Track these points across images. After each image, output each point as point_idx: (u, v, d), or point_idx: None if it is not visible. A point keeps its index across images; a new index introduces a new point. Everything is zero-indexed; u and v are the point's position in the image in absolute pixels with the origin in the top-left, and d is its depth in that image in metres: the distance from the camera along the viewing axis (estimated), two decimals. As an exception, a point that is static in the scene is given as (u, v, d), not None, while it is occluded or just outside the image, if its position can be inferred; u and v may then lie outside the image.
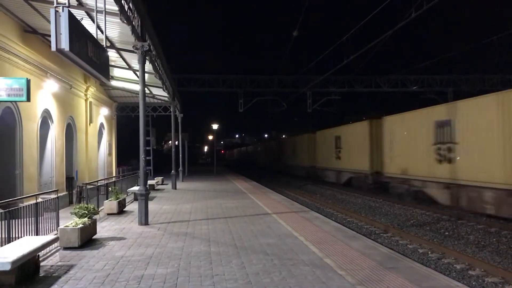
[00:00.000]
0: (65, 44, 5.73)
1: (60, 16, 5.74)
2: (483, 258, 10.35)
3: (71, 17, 5.92)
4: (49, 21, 12.97)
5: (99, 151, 23.57)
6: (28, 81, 10.63)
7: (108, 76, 9.10)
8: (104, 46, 8.45)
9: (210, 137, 72.48)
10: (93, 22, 9.61)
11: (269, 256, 7.74)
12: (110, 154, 25.71)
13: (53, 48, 5.81)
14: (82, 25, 6.82)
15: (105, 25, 8.66)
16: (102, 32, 9.78)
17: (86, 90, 20.15)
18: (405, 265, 7.12)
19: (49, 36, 14.45)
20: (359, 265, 7.10)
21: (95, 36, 7.92)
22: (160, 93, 23.46)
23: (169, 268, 7.07)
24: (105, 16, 8.49)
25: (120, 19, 9.74)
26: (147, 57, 11.97)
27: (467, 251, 11.19)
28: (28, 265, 6.54)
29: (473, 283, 8.59)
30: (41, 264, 7.22)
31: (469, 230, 13.62)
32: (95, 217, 9.81)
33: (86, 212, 9.26)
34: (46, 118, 15.50)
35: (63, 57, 6.22)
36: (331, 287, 5.93)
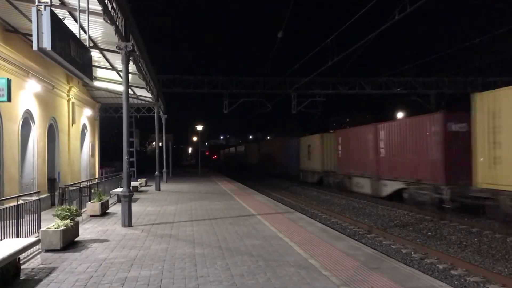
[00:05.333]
0: (47, 43, 5.64)
1: (42, 15, 5.65)
2: (465, 258, 10.50)
3: (53, 16, 5.83)
4: (31, 21, 12.81)
5: (82, 152, 23.28)
6: (9, 81, 10.48)
7: (91, 76, 9.01)
8: (87, 46, 8.35)
9: (195, 138, 72.17)
10: (76, 21, 9.50)
11: (254, 258, 7.72)
12: (93, 155, 25.41)
13: (35, 47, 5.71)
14: (65, 25, 6.72)
15: (88, 25, 8.55)
16: (85, 32, 9.66)
17: (69, 91, 19.88)
18: (389, 265, 7.17)
19: (31, 35, 14.24)
20: (344, 265, 7.14)
21: (78, 36, 7.81)
22: (144, 94, 23.30)
23: (153, 270, 7.00)
24: (88, 16, 8.38)
25: (104, 19, 9.64)
26: (130, 58, 11.87)
27: (450, 251, 11.35)
28: (8, 268, 6.41)
29: (455, 282, 8.70)
30: (22, 267, 7.09)
31: (452, 230, 13.80)
32: (77, 219, 9.67)
33: (69, 214, 9.11)
34: (27, 119, 15.24)
35: (45, 56, 6.12)
36: (315, 288, 5.94)
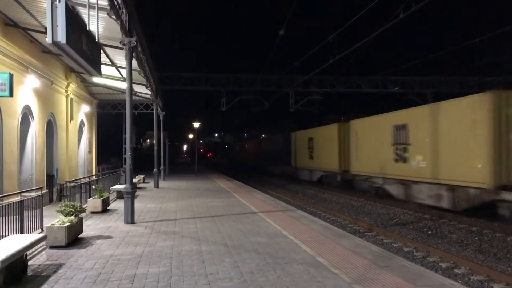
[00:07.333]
0: (61, 37, 5.55)
1: (56, 7, 5.57)
2: (467, 257, 10.53)
3: (68, 9, 5.75)
4: (31, 15, 12.72)
5: (79, 148, 23.14)
6: (11, 76, 10.38)
7: (100, 71, 8.93)
8: (97, 39, 8.26)
9: (191, 136, 72.00)
10: (85, 16, 9.38)
11: (261, 255, 7.70)
12: (90, 152, 25.26)
13: (49, 40, 5.62)
14: (78, 18, 6.63)
15: (97, 20, 8.48)
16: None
17: (67, 87, 19.75)
18: (397, 263, 7.17)
19: (31, 30, 14.16)
20: (352, 263, 7.13)
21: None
22: (142, 90, 23.16)
23: (161, 267, 6.96)
24: (97, 12, 8.31)
25: (108, 14, 9.59)
26: (134, 53, 11.78)
27: (451, 249, 11.37)
28: (16, 265, 6.34)
29: (459, 281, 8.70)
30: (28, 263, 7.02)
31: (452, 229, 13.85)
32: (81, 215, 9.59)
33: (73, 210, 9.05)
34: (26, 115, 15.12)
35: (59, 50, 6.03)
36: (328, 286, 5.92)
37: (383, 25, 13.92)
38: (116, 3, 9.69)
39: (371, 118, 22.60)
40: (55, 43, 5.62)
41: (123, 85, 20.78)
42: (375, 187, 21.68)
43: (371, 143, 21.70)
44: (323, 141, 28.13)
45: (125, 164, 24.48)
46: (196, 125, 38.00)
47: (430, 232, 13.72)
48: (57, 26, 5.50)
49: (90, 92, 25.16)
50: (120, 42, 11.13)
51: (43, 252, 8.02)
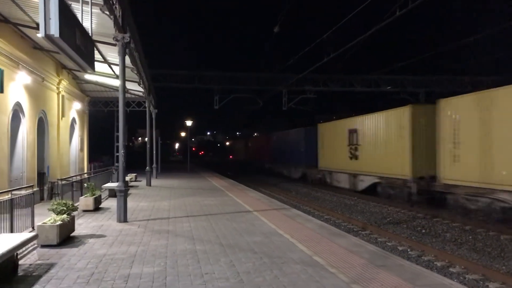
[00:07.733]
0: (54, 30, 5.40)
1: (49, 0, 5.41)
2: (462, 256, 10.52)
3: (61, 1, 5.59)
4: (22, 10, 12.49)
5: (71, 146, 22.86)
6: (1, 72, 10.17)
7: (94, 66, 8.76)
8: (90, 34, 8.10)
9: (183, 134, 71.64)
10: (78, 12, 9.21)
11: (257, 254, 7.60)
12: (82, 149, 24.96)
13: (42, 34, 5.45)
14: (71, 12, 6.46)
15: (91, 15, 8.31)
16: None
17: (59, 83, 19.48)
18: (395, 262, 7.11)
19: (22, 25, 13.91)
20: (349, 263, 7.06)
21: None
22: (134, 87, 22.92)
23: (155, 266, 6.83)
24: (91, 7, 8.15)
25: (101, 9, 9.44)
26: (127, 50, 11.62)
27: (446, 248, 11.37)
28: (6, 264, 6.19)
29: (455, 280, 8.68)
30: (19, 263, 6.86)
31: (445, 228, 13.86)
32: (73, 213, 9.43)
33: (65, 208, 8.89)
34: (17, 112, 14.87)
35: (52, 44, 5.87)
36: (326, 286, 5.84)
37: (378, 24, 13.86)
38: (109, -2, 9.54)
39: (492, 93, 14.14)
40: (48, 36, 5.45)
41: (116, 82, 20.59)
42: (502, 208, 13.85)
43: (494, 134, 13.99)
44: (378, 133, 21.03)
45: (117, 162, 24.32)
46: (189, 123, 37.75)
47: (424, 231, 13.71)
48: (50, 19, 5.34)
49: (81, 89, 24.86)
50: (113, 38, 10.96)
51: (34, 251, 7.86)
